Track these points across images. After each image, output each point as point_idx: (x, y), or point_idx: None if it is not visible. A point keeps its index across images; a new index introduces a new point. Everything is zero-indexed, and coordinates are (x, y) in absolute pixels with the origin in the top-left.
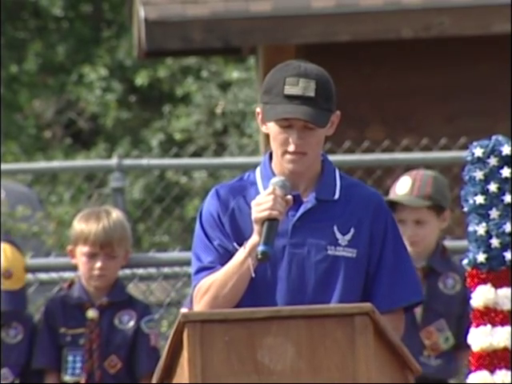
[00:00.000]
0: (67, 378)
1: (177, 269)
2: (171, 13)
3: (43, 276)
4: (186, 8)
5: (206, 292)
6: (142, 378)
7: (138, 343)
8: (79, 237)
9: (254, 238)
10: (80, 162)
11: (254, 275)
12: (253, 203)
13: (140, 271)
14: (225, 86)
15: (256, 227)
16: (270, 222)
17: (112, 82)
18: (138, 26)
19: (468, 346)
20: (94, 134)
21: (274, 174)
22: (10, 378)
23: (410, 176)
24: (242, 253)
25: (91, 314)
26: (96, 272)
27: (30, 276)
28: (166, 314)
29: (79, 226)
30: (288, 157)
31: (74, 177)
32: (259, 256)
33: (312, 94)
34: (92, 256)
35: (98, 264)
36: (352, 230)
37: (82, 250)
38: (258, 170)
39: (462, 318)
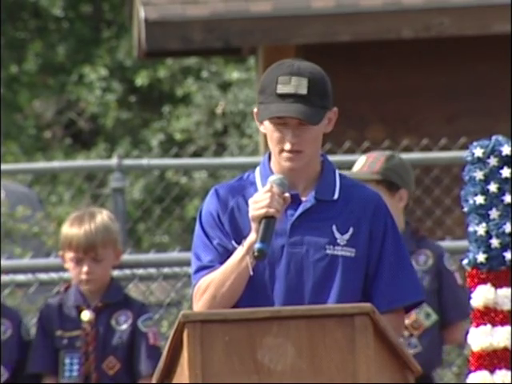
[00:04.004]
0: (64, 380)
1: (177, 269)
2: (171, 13)
3: (43, 276)
4: (186, 8)
5: (204, 291)
6: (145, 377)
7: (137, 343)
8: (64, 242)
9: (252, 236)
10: (80, 162)
11: (252, 273)
12: (250, 201)
13: (140, 271)
14: (225, 87)
15: (253, 225)
16: (267, 220)
17: (112, 82)
18: (138, 26)
19: (453, 322)
20: (94, 134)
21: (272, 173)
22: (5, 374)
23: (366, 155)
24: (240, 251)
25: (86, 316)
26: (83, 276)
27: (29, 276)
28: (166, 314)
29: (65, 231)
30: (285, 155)
31: (74, 177)
32: (256, 254)
33: (304, 91)
34: (78, 261)
35: (85, 268)
36: (351, 230)
37: (68, 255)
38: (257, 170)
39: (440, 292)
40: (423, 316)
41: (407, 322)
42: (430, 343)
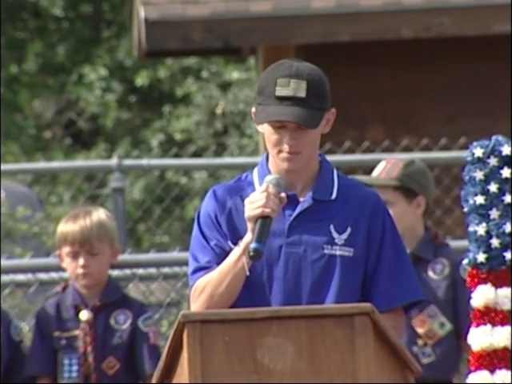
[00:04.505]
0: (64, 381)
1: (177, 269)
2: (171, 13)
3: (43, 276)
4: (186, 8)
5: (202, 291)
6: (147, 377)
7: (138, 342)
8: (60, 239)
9: (248, 236)
10: (80, 162)
11: (248, 273)
12: (246, 201)
13: (140, 271)
14: (225, 87)
15: (249, 225)
16: (263, 220)
17: (112, 82)
18: (138, 26)
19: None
20: (94, 134)
21: (270, 174)
22: None
23: (385, 160)
24: (236, 251)
25: (84, 315)
26: (80, 270)
27: (30, 276)
28: (165, 314)
29: (60, 229)
30: (282, 156)
31: (73, 177)
32: (251, 253)
33: (303, 94)
34: (74, 255)
35: (81, 261)
36: (349, 229)
37: (65, 251)
38: (255, 170)
39: (456, 301)
40: (437, 325)
41: (421, 331)
42: (444, 353)
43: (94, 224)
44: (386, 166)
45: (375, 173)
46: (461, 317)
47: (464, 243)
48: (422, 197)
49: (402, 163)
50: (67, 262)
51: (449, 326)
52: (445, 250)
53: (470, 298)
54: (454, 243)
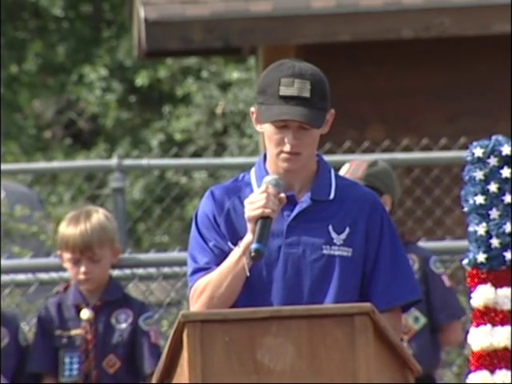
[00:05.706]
0: (64, 379)
1: (177, 269)
2: (171, 13)
3: (43, 276)
4: (185, 8)
5: (201, 292)
6: (148, 376)
7: (139, 341)
8: (61, 243)
9: (248, 237)
10: (80, 162)
11: (248, 274)
12: (246, 201)
13: (140, 271)
14: (225, 87)
15: (249, 226)
16: (263, 220)
17: (112, 82)
18: (138, 26)
19: (442, 324)
20: (94, 134)
21: (268, 174)
22: (5, 381)
23: (349, 162)
24: (236, 252)
25: (85, 314)
26: (81, 276)
27: (30, 276)
28: (165, 314)
29: (61, 230)
30: (283, 156)
31: (74, 177)
32: (252, 254)
33: (307, 94)
34: (75, 261)
35: (82, 269)
36: (347, 229)
37: (66, 255)
38: (252, 171)
39: (428, 295)
40: (412, 320)
41: None
42: (421, 346)
43: (94, 230)
44: (350, 168)
45: None
46: (434, 310)
47: (464, 243)
48: (387, 196)
49: (365, 164)
50: (68, 267)
51: (423, 320)
52: (412, 247)
53: (443, 291)
54: (454, 243)
